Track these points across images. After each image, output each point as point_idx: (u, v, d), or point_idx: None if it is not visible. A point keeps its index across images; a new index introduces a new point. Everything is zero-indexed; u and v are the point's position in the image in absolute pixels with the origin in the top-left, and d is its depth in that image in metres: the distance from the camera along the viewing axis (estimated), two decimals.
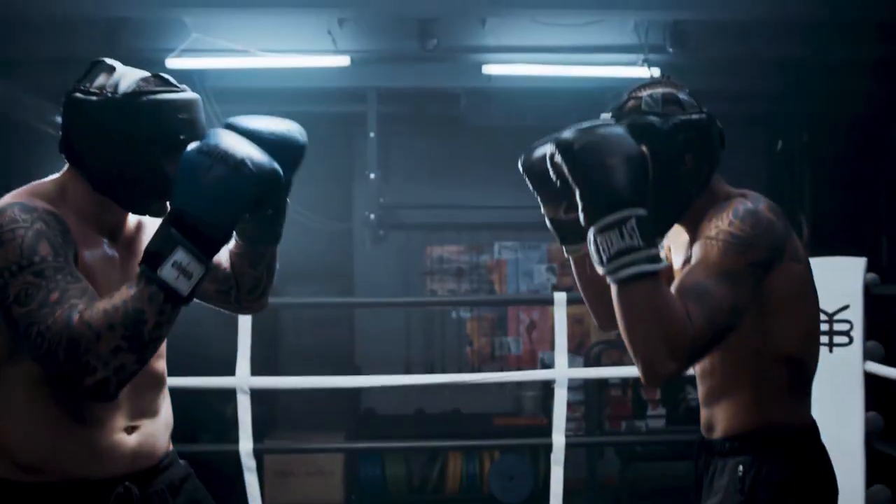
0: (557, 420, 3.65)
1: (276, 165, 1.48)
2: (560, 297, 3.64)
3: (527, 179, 1.75)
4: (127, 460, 1.58)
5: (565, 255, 1.89)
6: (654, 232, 1.45)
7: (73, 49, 4.84)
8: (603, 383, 6.38)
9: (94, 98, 1.51)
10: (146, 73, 1.56)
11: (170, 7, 4.68)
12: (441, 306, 6.83)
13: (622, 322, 1.44)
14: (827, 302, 3.46)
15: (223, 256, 1.81)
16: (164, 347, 1.65)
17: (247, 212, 1.49)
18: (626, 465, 6.30)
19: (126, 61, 1.61)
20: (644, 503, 5.96)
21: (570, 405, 6.89)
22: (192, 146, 1.44)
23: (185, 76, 5.78)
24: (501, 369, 6.60)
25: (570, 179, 1.46)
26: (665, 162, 1.58)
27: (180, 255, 1.38)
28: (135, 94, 1.51)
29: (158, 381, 1.68)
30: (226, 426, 5.12)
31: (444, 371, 6.42)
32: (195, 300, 1.50)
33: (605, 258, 1.42)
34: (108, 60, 1.57)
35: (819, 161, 5.64)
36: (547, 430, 6.53)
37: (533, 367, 6.61)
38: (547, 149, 1.53)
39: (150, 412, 1.65)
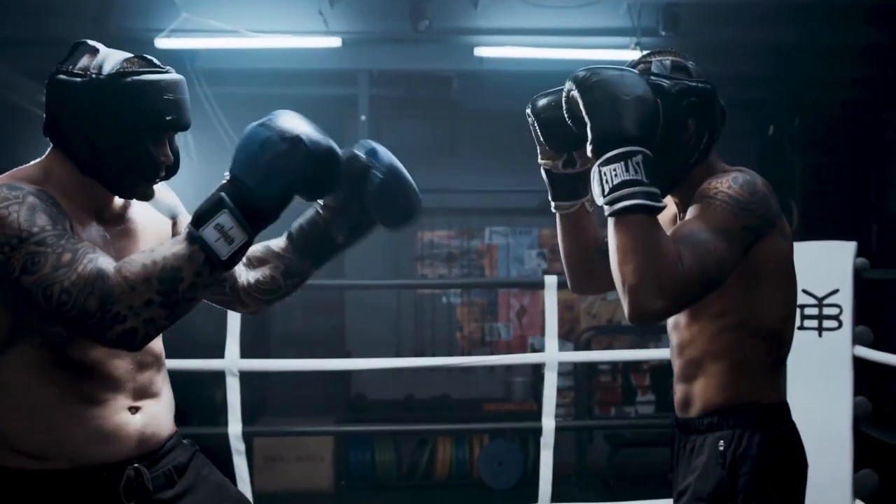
0: (547, 404, 3.65)
1: (333, 144, 1.51)
2: (551, 281, 3.62)
3: (533, 124, 1.74)
4: (133, 442, 1.58)
5: (553, 209, 1.89)
6: (658, 176, 1.48)
7: (61, 29, 4.80)
8: (593, 369, 6.39)
9: (77, 79, 1.49)
10: (129, 55, 1.55)
11: None
12: (431, 289, 6.81)
13: (615, 256, 1.47)
14: (817, 286, 3.46)
15: None
16: None
17: (299, 189, 1.50)
18: (615, 451, 6.32)
19: (115, 41, 1.60)
20: (633, 489, 5.95)
21: (559, 391, 6.86)
22: (256, 122, 1.47)
23: (175, 56, 5.78)
24: (492, 354, 6.61)
25: (583, 112, 1.49)
26: (669, 123, 1.59)
27: (224, 219, 1.39)
28: (119, 75, 1.49)
29: (157, 360, 1.68)
30: (215, 410, 5.11)
31: (434, 356, 6.41)
32: None
33: (607, 189, 1.45)
34: (91, 42, 1.56)
35: (810, 146, 5.63)
36: (537, 416, 6.56)
37: (523, 352, 6.60)
38: (564, 87, 1.57)
39: (152, 392, 1.64)
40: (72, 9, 4.88)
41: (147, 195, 1.60)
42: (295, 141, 1.44)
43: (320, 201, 1.78)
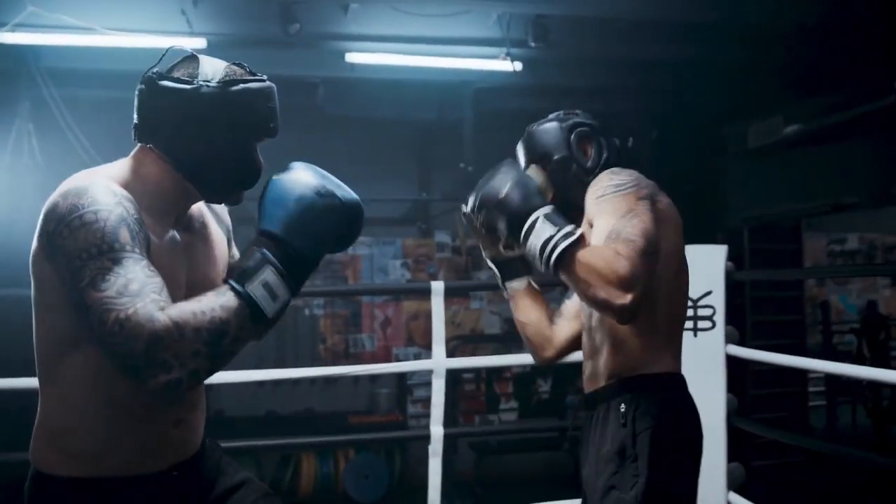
0: (436, 410, 3.61)
1: (357, 198, 1.53)
2: (438, 287, 3.59)
3: (471, 222, 1.98)
4: (177, 451, 1.60)
5: (506, 295, 2.19)
6: (563, 216, 1.76)
7: None
8: (457, 378, 6.42)
9: (186, 86, 1.49)
10: (225, 62, 1.56)
11: None
12: (313, 297, 6.62)
13: (577, 292, 1.72)
14: (691, 288, 3.60)
15: None
16: None
17: (334, 246, 1.53)
18: (481, 459, 6.37)
19: None
20: (498, 495, 6.04)
21: (423, 401, 6.93)
22: (281, 175, 1.49)
23: (18, 53, 5.34)
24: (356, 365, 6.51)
25: (483, 230, 1.91)
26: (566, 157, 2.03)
27: (269, 276, 1.39)
28: (228, 83, 1.51)
29: None
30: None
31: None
32: None
33: (540, 260, 1.71)
34: (187, 48, 1.57)
35: (667, 157, 5.91)
36: (403, 427, 6.54)
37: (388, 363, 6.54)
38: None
39: (195, 404, 1.66)
40: None
41: (239, 200, 1.63)
42: (331, 198, 1.47)
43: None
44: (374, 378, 6.65)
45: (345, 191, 1.51)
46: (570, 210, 1.89)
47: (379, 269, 6.80)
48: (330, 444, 5.99)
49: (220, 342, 1.34)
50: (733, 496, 3.51)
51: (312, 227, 1.45)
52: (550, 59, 5.08)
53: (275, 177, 1.49)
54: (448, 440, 5.30)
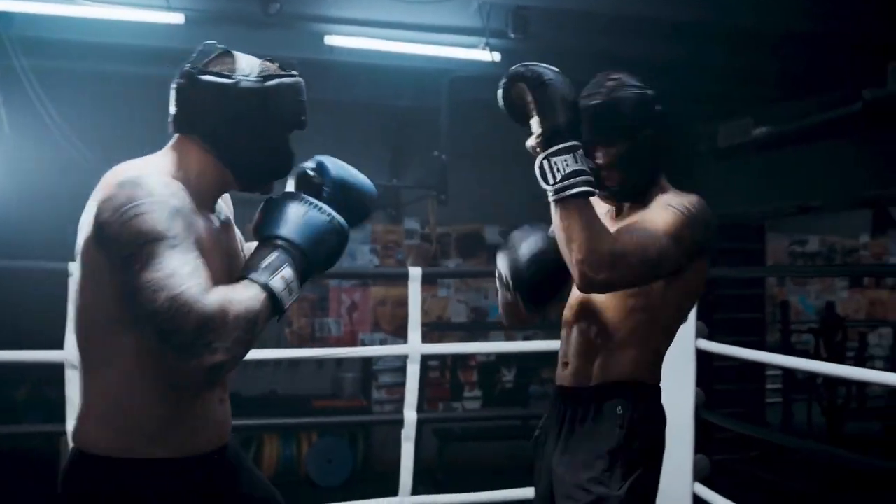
0: (410, 396, 3.63)
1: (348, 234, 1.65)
2: (415, 272, 3.60)
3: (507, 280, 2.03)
4: (220, 431, 1.66)
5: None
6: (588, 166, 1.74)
7: None
8: (423, 365, 6.43)
9: (226, 80, 1.57)
10: (258, 58, 1.64)
11: None
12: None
13: (562, 236, 1.72)
14: None
15: None
16: None
17: (328, 262, 1.63)
18: (444, 446, 6.41)
19: None
20: (461, 482, 6.06)
21: (388, 387, 6.95)
22: (292, 190, 1.67)
23: None
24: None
25: (531, 107, 1.74)
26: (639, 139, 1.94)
27: (287, 273, 1.50)
28: (266, 77, 1.60)
29: None
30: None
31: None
32: None
33: (558, 177, 1.69)
34: (221, 45, 1.65)
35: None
36: (367, 411, 6.55)
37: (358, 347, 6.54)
38: (503, 83, 1.79)
39: (227, 386, 1.72)
40: None
41: (271, 189, 1.70)
42: (338, 227, 1.61)
43: None
44: (339, 362, 6.64)
45: (340, 217, 1.63)
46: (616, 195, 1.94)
47: (347, 253, 6.74)
48: (296, 427, 5.98)
49: (252, 330, 1.42)
50: (699, 487, 3.59)
51: (322, 243, 1.57)
52: (529, 51, 5.07)
53: (287, 191, 1.66)
54: (416, 426, 5.33)
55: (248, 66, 1.60)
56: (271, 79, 1.59)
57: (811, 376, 7.63)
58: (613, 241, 1.70)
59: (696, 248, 1.82)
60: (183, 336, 1.35)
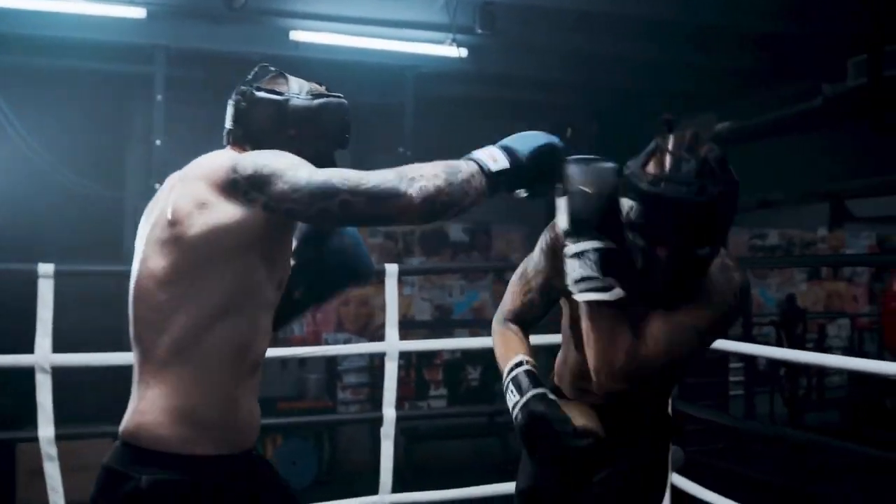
0: (388, 393, 3.61)
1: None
2: (392, 269, 3.57)
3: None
4: (255, 429, 1.72)
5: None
6: (615, 264, 1.60)
7: None
8: None
9: (281, 98, 1.71)
10: (307, 82, 1.77)
11: None
12: None
13: (584, 332, 1.69)
14: None
15: None
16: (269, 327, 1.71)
17: (539, 179, 1.64)
18: (410, 444, 6.37)
19: None
20: (427, 481, 6.04)
21: (353, 387, 6.89)
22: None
23: None
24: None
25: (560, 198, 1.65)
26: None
27: (493, 150, 1.60)
28: (315, 96, 1.73)
29: None
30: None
31: None
32: None
33: (571, 280, 1.64)
34: (273, 67, 1.81)
35: (605, 151, 5.97)
36: (332, 412, 6.47)
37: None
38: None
39: None
40: None
41: None
42: (556, 149, 1.64)
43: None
44: (302, 363, 6.56)
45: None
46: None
47: None
48: (263, 428, 5.88)
49: (455, 175, 1.51)
50: (676, 477, 3.62)
51: (536, 155, 1.60)
52: (496, 47, 5.07)
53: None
54: (377, 425, 5.30)
55: (298, 87, 1.75)
56: (319, 97, 1.74)
57: (773, 368, 7.77)
58: (633, 352, 1.62)
59: (718, 336, 1.77)
60: (387, 176, 1.48)
